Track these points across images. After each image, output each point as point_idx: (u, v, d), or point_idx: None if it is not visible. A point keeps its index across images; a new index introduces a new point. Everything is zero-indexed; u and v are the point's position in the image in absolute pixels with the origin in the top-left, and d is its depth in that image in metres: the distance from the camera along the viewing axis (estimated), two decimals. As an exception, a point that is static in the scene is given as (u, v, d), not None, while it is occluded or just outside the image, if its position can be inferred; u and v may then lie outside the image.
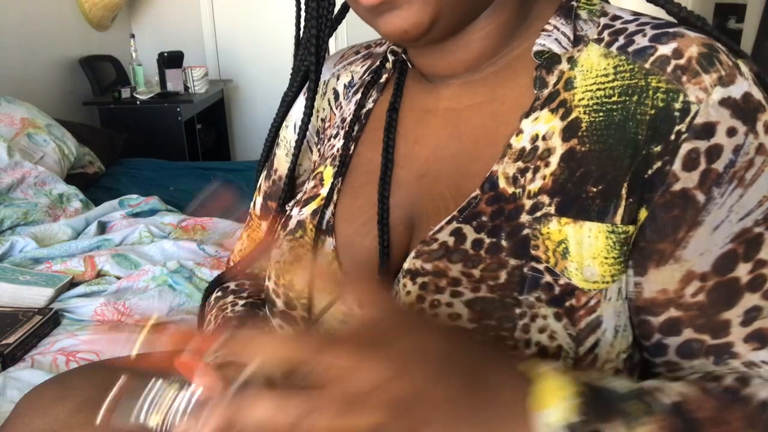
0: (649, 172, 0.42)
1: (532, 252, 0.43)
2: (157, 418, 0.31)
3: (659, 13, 0.49)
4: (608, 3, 0.50)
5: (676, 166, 0.41)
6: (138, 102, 3.03)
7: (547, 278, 0.43)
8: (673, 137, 0.41)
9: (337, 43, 3.65)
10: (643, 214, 0.43)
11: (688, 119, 0.41)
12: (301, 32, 0.56)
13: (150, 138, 2.97)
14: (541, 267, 0.43)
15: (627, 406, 0.38)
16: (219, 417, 0.30)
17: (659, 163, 0.42)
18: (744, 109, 0.41)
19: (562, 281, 0.43)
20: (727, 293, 0.42)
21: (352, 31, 3.65)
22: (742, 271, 0.42)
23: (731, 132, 0.41)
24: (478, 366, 0.35)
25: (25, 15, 2.67)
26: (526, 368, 0.37)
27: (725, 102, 0.41)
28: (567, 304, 0.43)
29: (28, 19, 2.70)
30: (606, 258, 0.43)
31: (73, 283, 1.39)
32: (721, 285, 0.42)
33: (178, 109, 2.99)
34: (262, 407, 0.29)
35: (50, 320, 1.19)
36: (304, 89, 0.59)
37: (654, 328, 0.45)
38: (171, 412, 0.31)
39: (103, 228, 1.77)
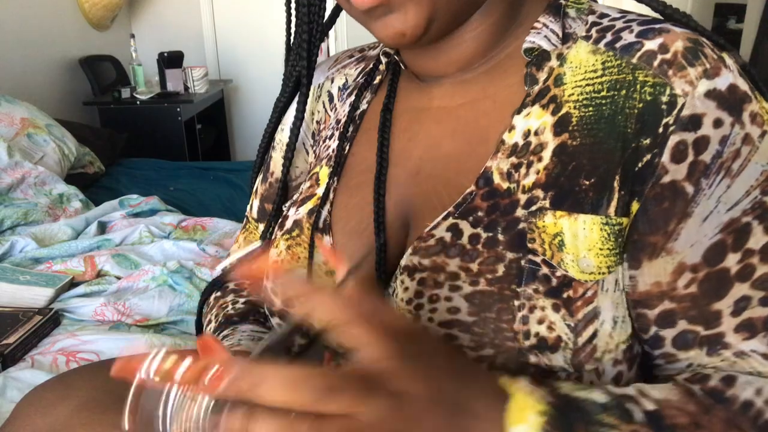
0: (640, 164, 0.43)
1: (529, 245, 0.44)
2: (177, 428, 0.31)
3: (647, 11, 0.49)
4: (596, 2, 0.51)
5: (665, 158, 0.42)
6: (138, 102, 3.03)
7: (545, 270, 0.44)
8: (661, 130, 0.42)
9: (337, 44, 3.65)
10: (635, 206, 0.43)
11: (675, 112, 0.41)
12: (292, 37, 0.56)
13: (150, 138, 2.97)
14: (537, 259, 0.44)
15: (601, 417, 0.38)
16: None
17: (648, 156, 0.42)
18: (729, 100, 0.41)
19: (559, 273, 0.43)
20: (717, 284, 0.43)
21: (352, 33, 3.66)
22: (732, 261, 0.42)
23: (717, 123, 0.41)
24: (463, 389, 0.36)
25: (25, 15, 2.67)
26: (505, 384, 0.38)
27: (711, 94, 0.41)
28: (564, 295, 0.43)
29: (28, 19, 2.70)
30: (601, 249, 0.43)
31: (73, 283, 1.39)
32: (712, 276, 0.43)
33: (178, 109, 2.99)
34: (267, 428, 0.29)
35: (50, 320, 1.20)
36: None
37: (650, 321, 0.46)
38: (190, 422, 0.30)
39: (103, 228, 1.77)
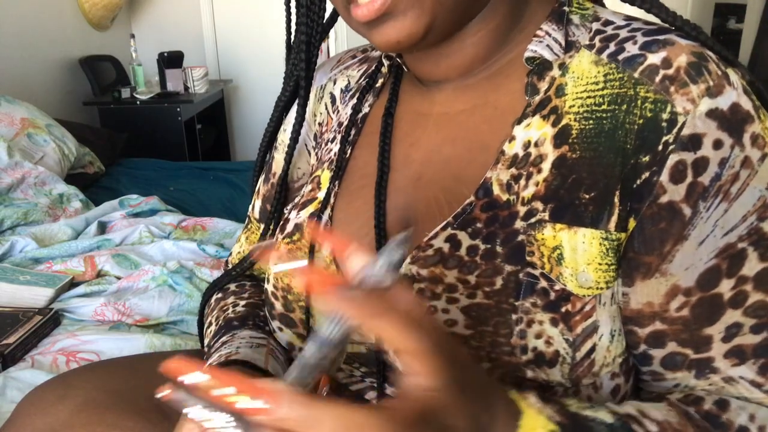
0: (638, 181, 0.42)
1: (528, 258, 0.43)
2: None
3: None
4: (603, 5, 0.50)
5: (664, 177, 0.41)
6: (138, 102, 3.03)
7: (543, 284, 0.43)
8: (660, 148, 0.41)
9: (337, 44, 3.65)
10: (631, 223, 0.43)
11: (675, 130, 0.41)
12: (293, 36, 0.56)
13: (150, 138, 2.97)
14: (536, 273, 0.43)
15: None
16: None
17: (647, 174, 0.42)
18: (731, 121, 0.40)
19: (557, 287, 0.43)
20: (710, 309, 0.42)
21: (352, 33, 3.65)
22: (725, 287, 0.42)
23: (717, 144, 0.40)
24: (488, 415, 0.35)
25: (25, 15, 2.67)
26: (516, 399, 0.37)
27: (712, 113, 0.40)
28: (563, 309, 0.43)
29: (28, 19, 2.70)
30: (600, 264, 0.43)
31: (73, 283, 1.39)
32: (705, 300, 0.42)
33: (178, 109, 2.98)
34: None
35: (50, 320, 1.19)
36: None
37: (640, 339, 0.45)
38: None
39: (103, 228, 1.77)
